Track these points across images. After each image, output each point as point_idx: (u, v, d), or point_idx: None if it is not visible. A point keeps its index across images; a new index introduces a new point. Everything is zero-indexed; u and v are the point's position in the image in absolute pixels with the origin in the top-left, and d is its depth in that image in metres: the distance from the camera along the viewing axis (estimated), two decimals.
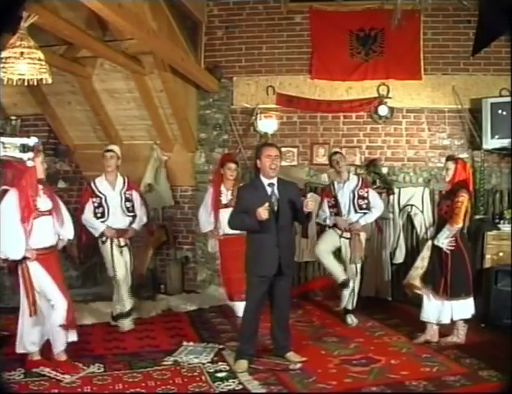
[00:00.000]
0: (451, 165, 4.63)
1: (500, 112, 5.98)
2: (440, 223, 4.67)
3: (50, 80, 3.77)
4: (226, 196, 5.40)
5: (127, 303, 5.08)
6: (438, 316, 4.59)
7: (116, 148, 5.23)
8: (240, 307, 5.16)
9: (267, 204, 3.89)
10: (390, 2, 5.39)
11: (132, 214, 5.15)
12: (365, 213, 5.28)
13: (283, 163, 6.54)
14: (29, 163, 3.83)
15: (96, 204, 4.98)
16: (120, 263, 5.00)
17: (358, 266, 5.28)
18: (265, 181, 4.11)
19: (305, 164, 6.68)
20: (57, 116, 6.72)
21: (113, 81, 6.19)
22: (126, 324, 5.05)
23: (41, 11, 3.86)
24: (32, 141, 3.89)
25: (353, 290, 5.24)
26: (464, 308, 4.56)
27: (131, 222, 5.14)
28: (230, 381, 3.78)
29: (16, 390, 3.57)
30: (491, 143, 6.07)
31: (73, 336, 3.99)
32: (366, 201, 5.29)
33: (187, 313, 5.76)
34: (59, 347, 3.90)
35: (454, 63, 6.43)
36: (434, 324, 4.63)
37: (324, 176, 6.57)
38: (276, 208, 4.01)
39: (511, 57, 5.66)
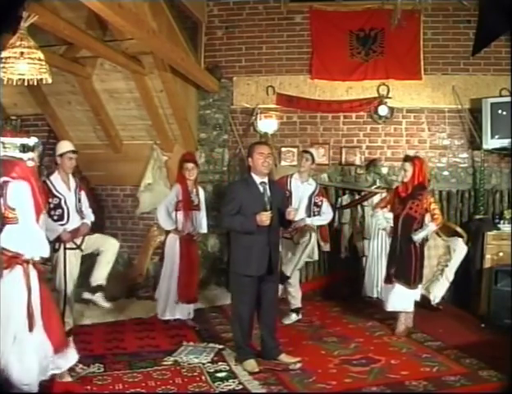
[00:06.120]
0: (409, 166, 4.80)
1: (500, 112, 5.99)
2: (407, 222, 4.80)
3: (50, 80, 3.76)
4: (196, 197, 5.18)
5: (71, 320, 4.54)
6: (409, 304, 4.89)
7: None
8: (181, 309, 5.10)
9: (269, 212, 3.91)
10: (390, 2, 5.40)
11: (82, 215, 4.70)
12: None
13: (283, 163, 6.65)
14: (29, 163, 3.81)
15: (53, 205, 4.44)
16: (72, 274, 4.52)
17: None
18: (257, 180, 4.10)
19: None
20: (57, 116, 6.71)
21: (113, 81, 6.18)
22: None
23: (41, 11, 3.85)
24: (32, 141, 3.88)
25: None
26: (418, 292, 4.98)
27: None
28: (230, 381, 3.79)
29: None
30: (491, 143, 6.08)
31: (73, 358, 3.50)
32: (318, 209, 5.36)
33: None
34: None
35: (454, 63, 6.44)
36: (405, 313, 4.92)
37: (324, 176, 6.56)
38: (268, 206, 3.99)
39: (511, 57, 5.67)
